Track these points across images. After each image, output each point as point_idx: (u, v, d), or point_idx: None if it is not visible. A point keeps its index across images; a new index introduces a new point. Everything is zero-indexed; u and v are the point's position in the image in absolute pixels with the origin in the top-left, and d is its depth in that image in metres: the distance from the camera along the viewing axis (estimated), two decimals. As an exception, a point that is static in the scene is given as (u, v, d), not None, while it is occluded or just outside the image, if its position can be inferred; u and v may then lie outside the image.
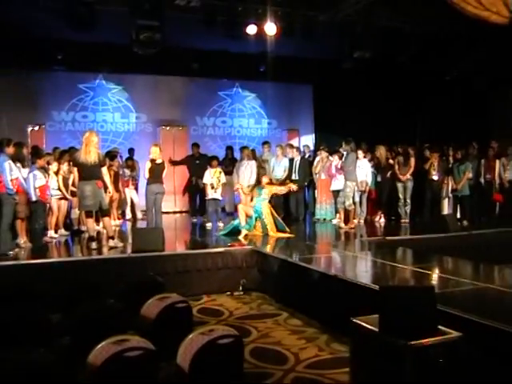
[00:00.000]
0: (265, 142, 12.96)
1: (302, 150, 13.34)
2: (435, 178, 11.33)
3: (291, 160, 11.99)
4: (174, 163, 12.82)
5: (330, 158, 11.48)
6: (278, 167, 11.90)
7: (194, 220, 12.21)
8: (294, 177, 11.79)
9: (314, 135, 16.40)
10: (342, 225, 10.57)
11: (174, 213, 13.87)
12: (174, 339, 3.55)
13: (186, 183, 13.12)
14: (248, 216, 9.48)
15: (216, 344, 3.45)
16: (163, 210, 9.70)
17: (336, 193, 11.13)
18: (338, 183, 11.05)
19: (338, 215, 11.15)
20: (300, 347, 5.34)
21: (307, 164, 12.28)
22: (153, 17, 10.23)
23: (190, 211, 13.17)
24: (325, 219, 11.62)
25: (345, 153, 10.70)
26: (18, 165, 8.26)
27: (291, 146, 12.60)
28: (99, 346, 3.19)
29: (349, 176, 10.48)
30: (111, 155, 11.20)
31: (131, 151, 13.26)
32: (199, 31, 11.24)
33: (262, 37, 11.52)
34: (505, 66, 13.79)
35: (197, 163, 12.31)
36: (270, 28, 11.25)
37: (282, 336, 5.71)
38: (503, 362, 3.72)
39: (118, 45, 11.81)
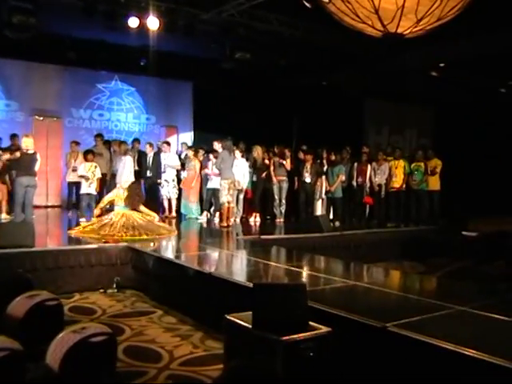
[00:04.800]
0: (98, 135, 12.82)
1: (155, 144, 12.95)
2: (307, 180, 11.71)
3: (145, 156, 11.88)
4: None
5: (211, 156, 11.51)
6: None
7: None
8: (148, 173, 11.69)
9: (192, 133, 16.40)
10: (217, 221, 11.00)
11: (46, 207, 13.23)
12: (43, 339, 3.39)
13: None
14: None
15: (88, 342, 3.34)
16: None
17: (211, 191, 11.26)
18: (214, 182, 11.19)
19: (204, 213, 11.42)
20: (174, 345, 5.32)
21: (160, 160, 12.16)
22: (27, -1, 9.75)
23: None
24: (190, 217, 11.69)
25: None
26: None
27: (138, 142, 12.60)
28: (-41, 347, 2.99)
29: (221, 175, 10.70)
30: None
31: (-4, 140, 12.33)
32: (78, 19, 10.80)
33: (143, 30, 11.34)
34: (377, 78, 14.74)
35: None
36: (153, 22, 11.11)
37: (156, 334, 5.66)
38: (370, 354, 3.95)
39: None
